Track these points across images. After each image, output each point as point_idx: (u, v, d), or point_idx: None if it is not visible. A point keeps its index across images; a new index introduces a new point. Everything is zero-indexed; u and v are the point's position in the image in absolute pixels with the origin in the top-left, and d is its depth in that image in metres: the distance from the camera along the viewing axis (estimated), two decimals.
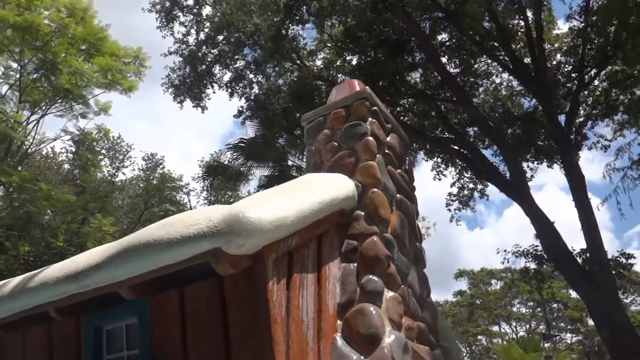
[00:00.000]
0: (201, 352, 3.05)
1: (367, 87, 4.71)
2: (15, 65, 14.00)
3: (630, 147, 12.38)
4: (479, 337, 38.40)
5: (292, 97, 14.48)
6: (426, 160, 17.84)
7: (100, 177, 21.77)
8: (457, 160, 16.18)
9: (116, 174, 23.38)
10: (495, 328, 37.97)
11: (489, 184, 16.02)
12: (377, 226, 3.91)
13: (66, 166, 22.51)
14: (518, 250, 11.67)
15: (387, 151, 4.56)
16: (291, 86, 15.16)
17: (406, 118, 16.24)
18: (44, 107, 14.86)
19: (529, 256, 11.30)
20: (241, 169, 17.44)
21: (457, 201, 18.06)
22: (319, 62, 17.62)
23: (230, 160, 17.57)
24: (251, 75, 17.02)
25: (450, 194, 18.08)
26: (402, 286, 3.91)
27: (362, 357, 3.23)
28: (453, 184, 17.97)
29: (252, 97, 16.39)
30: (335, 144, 4.47)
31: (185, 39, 15.23)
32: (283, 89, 16.60)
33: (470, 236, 61.12)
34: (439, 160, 17.25)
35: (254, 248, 2.82)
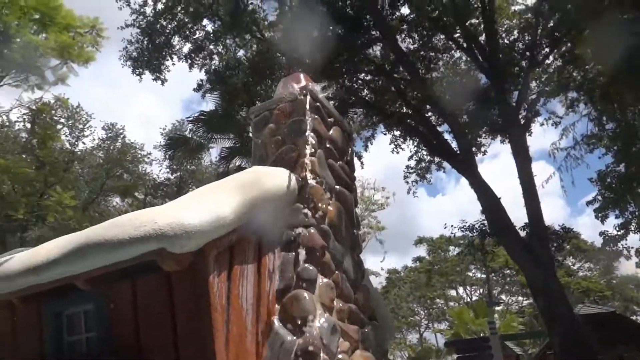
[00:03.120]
0: (152, 337, 3.44)
1: (310, 83, 5.03)
2: None
3: (574, 127, 13.04)
4: (437, 300, 40.07)
5: (252, 71, 14.57)
6: (385, 134, 18.28)
7: (59, 147, 21.44)
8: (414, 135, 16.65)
9: (76, 143, 23.05)
10: (452, 292, 39.67)
11: None
12: (314, 218, 4.32)
13: (23, 135, 22.05)
14: (464, 225, 12.39)
15: (328, 145, 4.94)
16: (250, 60, 15.23)
17: (365, 91, 16.57)
18: None
19: (474, 231, 12.01)
20: (202, 141, 17.55)
21: (415, 173, 18.67)
22: (279, 34, 17.61)
23: (192, 132, 17.68)
24: (211, 47, 16.92)
25: (407, 167, 18.65)
26: (336, 272, 4.36)
27: (295, 338, 3.69)
28: (411, 157, 18.53)
29: (212, 70, 16.36)
30: (280, 138, 4.81)
31: (142, 10, 14.99)
32: (243, 62, 16.61)
33: (432, 203, 62.68)
34: (397, 133, 17.73)
35: (195, 247, 3.18)
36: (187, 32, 16.60)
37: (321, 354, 3.64)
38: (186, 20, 16.19)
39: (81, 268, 3.32)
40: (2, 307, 3.96)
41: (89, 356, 3.63)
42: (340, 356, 3.91)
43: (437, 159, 18.47)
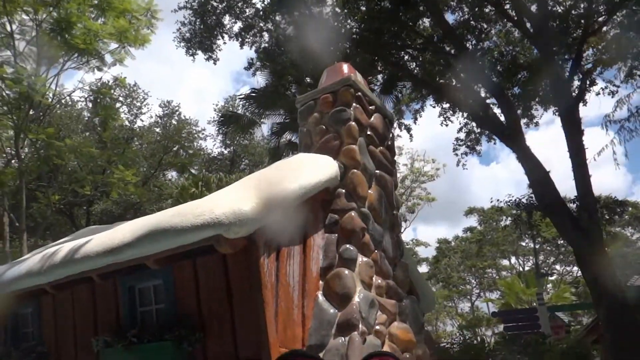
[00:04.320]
0: (211, 309, 3.94)
1: (352, 74, 5.30)
2: (30, 23, 14.53)
3: (630, 99, 12.57)
4: (488, 270, 39.82)
5: (300, 48, 14.83)
6: (434, 107, 18.20)
7: (119, 125, 22.65)
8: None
9: (134, 120, 24.26)
10: (505, 262, 39.23)
11: None
12: (355, 202, 4.67)
13: (85, 113, 23.39)
14: (510, 200, 12.37)
15: (369, 132, 5.23)
16: (299, 37, 15.47)
17: (413, 65, 16.50)
18: (61, 62, 15.50)
19: (521, 206, 11.96)
20: (254, 117, 18.14)
21: (464, 145, 18.55)
22: (327, 9, 17.70)
23: (243, 108, 18.31)
24: (261, 24, 17.24)
25: (457, 139, 18.55)
26: (376, 251, 4.72)
27: (337, 311, 4.11)
28: (460, 129, 18.40)
29: (262, 48, 16.72)
30: (324, 127, 5.14)
31: None
32: (292, 39, 16.86)
33: (485, 171, 61.15)
34: (446, 106, 17.62)
35: (247, 233, 3.61)
36: (237, 11, 16.96)
37: (360, 326, 4.05)
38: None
39: (150, 250, 3.84)
40: (84, 282, 4.58)
41: (158, 325, 4.18)
42: (377, 327, 4.30)
43: (487, 131, 18.26)
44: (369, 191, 4.93)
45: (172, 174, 26.59)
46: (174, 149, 23.65)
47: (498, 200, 12.67)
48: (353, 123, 4.99)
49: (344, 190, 4.71)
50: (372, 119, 5.37)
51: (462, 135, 18.92)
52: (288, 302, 3.92)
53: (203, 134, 25.06)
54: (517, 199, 11.99)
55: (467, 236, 37.99)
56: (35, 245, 18.82)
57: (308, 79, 17.32)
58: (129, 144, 21.76)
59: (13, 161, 16.20)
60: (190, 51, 16.16)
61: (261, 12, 17.07)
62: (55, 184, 19.10)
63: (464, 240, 38.39)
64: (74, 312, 4.98)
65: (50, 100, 16.04)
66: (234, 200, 3.63)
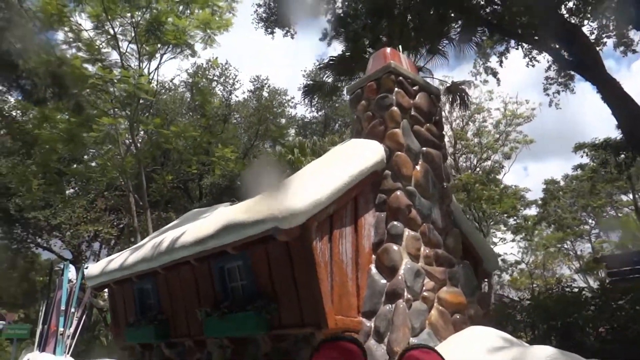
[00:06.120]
0: (281, 285, 4.80)
1: (393, 60, 5.72)
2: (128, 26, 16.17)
3: None
4: (607, 208, 37.43)
5: (370, 12, 15.03)
6: (516, 49, 17.48)
7: (217, 103, 24.35)
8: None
9: (230, 97, 25.90)
10: (626, 197, 36.54)
11: None
12: (400, 182, 5.21)
13: (187, 95, 25.42)
14: (595, 143, 11.85)
15: (413, 113, 5.67)
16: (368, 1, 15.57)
17: (486, 11, 15.92)
18: (158, 56, 17.16)
19: (608, 148, 11.42)
20: (336, 83, 18.74)
21: (555, 84, 17.65)
22: None
23: (325, 77, 18.97)
24: None
25: (547, 78, 17.68)
26: (423, 224, 5.25)
27: (386, 282, 4.77)
28: (549, 68, 17.50)
29: (335, 15, 17.04)
30: (370, 113, 5.67)
31: None
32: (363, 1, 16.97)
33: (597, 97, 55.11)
34: (529, 47, 16.83)
35: (300, 222, 4.35)
36: None
37: (405, 294, 4.68)
38: None
39: (227, 240, 4.76)
40: (186, 264, 5.68)
41: (245, 297, 5.15)
42: (425, 294, 4.90)
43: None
44: (416, 168, 5.43)
45: (269, 143, 28.16)
46: (269, 118, 24.99)
47: (583, 143, 12.14)
48: (395, 108, 5.46)
49: (390, 172, 5.26)
50: (416, 99, 5.78)
51: (552, 74, 17.99)
52: (342, 276, 4.65)
53: (292, 102, 26.15)
54: (604, 141, 11.46)
55: (578, 174, 35.78)
56: (158, 217, 21.38)
57: (384, 39, 17.47)
58: (227, 121, 23.41)
59: (132, 147, 18.43)
60: (268, 30, 16.96)
61: None
62: (169, 164, 21.34)
63: (574, 179, 36.23)
64: (182, 288, 6.15)
65: (155, 90, 17.89)
66: (288, 199, 4.38)
